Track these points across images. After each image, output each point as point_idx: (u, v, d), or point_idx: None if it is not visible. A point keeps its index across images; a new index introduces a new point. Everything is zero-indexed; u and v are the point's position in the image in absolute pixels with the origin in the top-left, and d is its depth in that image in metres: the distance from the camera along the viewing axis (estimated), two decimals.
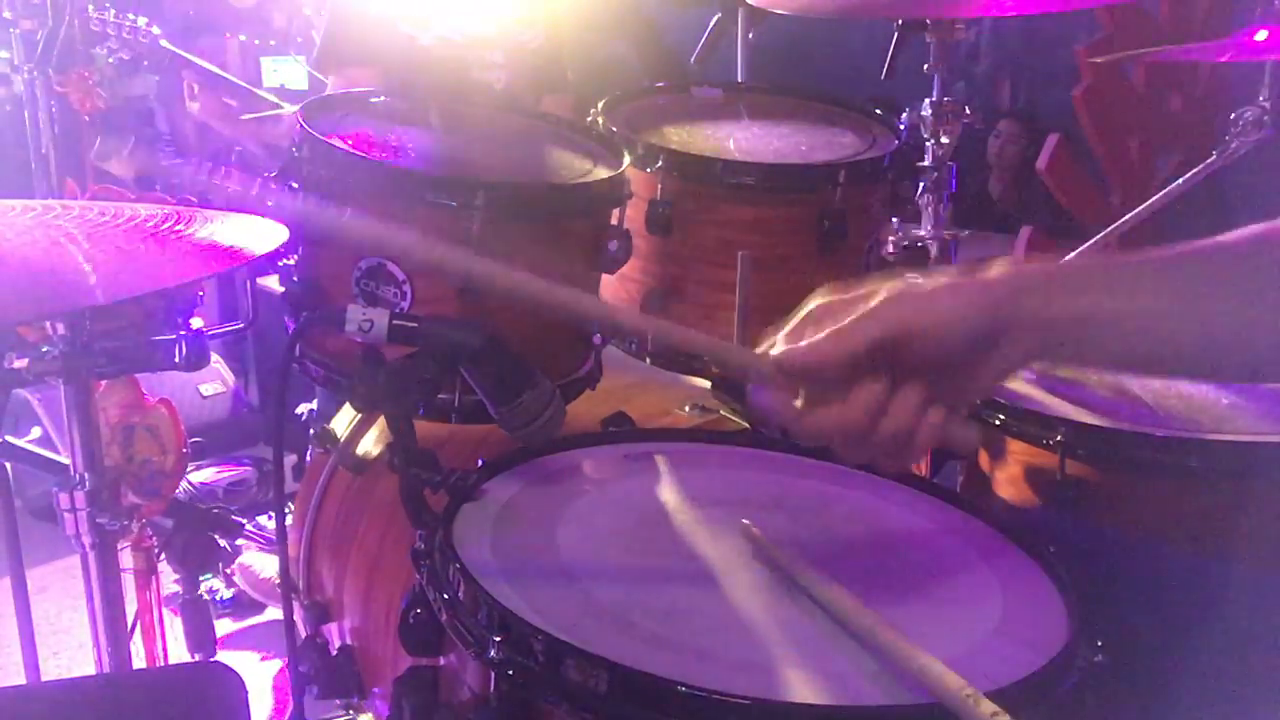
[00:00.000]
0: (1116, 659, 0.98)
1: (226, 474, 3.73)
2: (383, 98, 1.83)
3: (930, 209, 2.07)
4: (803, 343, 0.97)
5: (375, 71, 2.51)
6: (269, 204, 1.30)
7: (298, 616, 1.76)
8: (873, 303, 0.96)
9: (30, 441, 2.70)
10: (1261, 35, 2.07)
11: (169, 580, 2.01)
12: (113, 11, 2.80)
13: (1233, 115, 2.23)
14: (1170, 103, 4.31)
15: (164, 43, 2.82)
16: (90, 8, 2.73)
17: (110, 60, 2.86)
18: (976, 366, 0.95)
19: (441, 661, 1.08)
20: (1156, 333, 0.94)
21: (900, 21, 2.07)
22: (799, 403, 0.97)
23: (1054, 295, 0.94)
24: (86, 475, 1.47)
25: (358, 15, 2.63)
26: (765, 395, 0.99)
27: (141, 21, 2.79)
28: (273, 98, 2.91)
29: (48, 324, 1.41)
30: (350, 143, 1.60)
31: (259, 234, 1.31)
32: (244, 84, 2.91)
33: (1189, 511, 1.48)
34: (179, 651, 2.01)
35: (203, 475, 3.67)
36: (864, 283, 0.98)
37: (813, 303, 1.01)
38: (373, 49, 2.56)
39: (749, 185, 1.73)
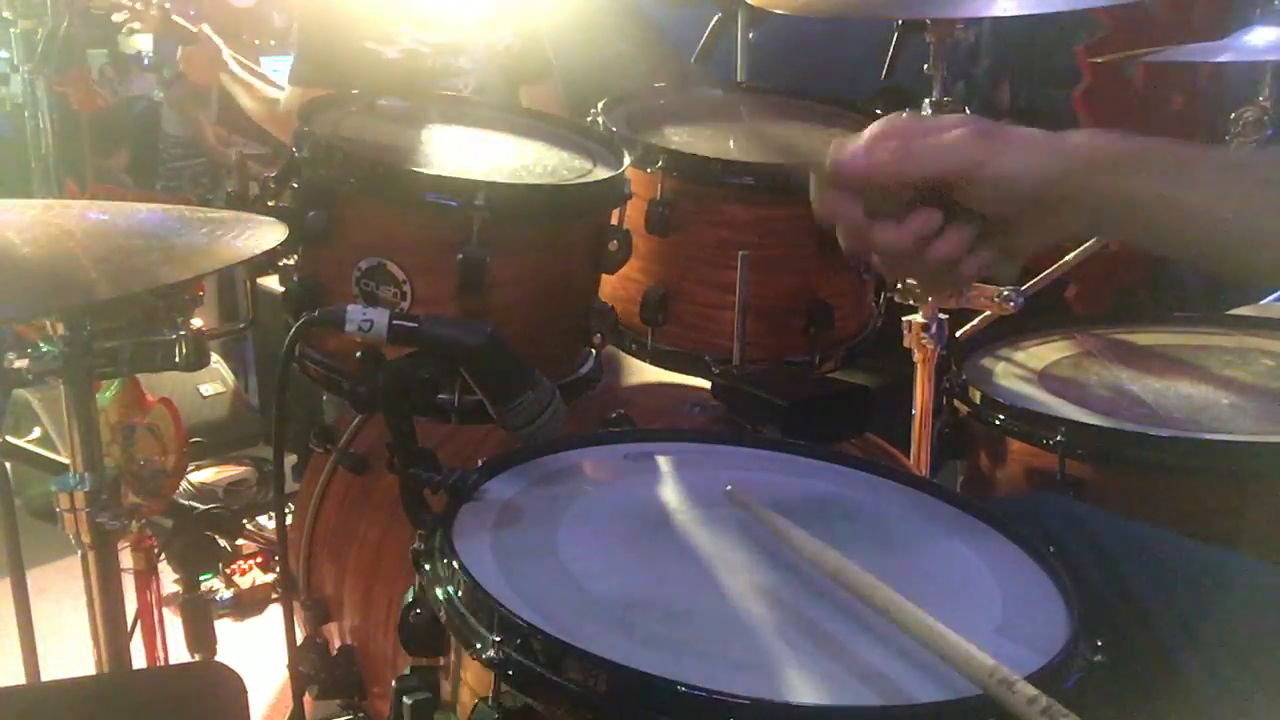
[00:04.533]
0: (1119, 655, 0.98)
1: (226, 474, 3.73)
2: (383, 98, 1.83)
3: None
4: (865, 152, 0.98)
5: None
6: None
7: (298, 616, 1.76)
8: (948, 135, 0.97)
9: (30, 441, 2.70)
10: (1262, 35, 2.07)
11: (169, 580, 2.01)
12: None
13: (1233, 115, 2.24)
14: (1170, 103, 4.31)
15: (175, 18, 2.82)
16: None
17: (125, 30, 2.87)
18: (1033, 223, 0.98)
19: (441, 661, 1.08)
20: (1221, 227, 0.95)
21: (900, 21, 2.07)
22: (854, 211, 1.00)
23: (1125, 175, 0.95)
24: (86, 475, 1.47)
25: (323, 37, 2.62)
26: (831, 197, 1.01)
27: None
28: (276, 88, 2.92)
29: (48, 324, 1.41)
30: (350, 143, 1.61)
31: (257, 234, 1.32)
32: (252, 76, 2.91)
33: (1189, 511, 1.48)
34: (179, 651, 2.01)
35: (203, 475, 3.68)
36: (946, 116, 1.01)
37: (893, 118, 1.01)
38: (337, 69, 2.55)
39: (749, 185, 1.73)
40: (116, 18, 2.82)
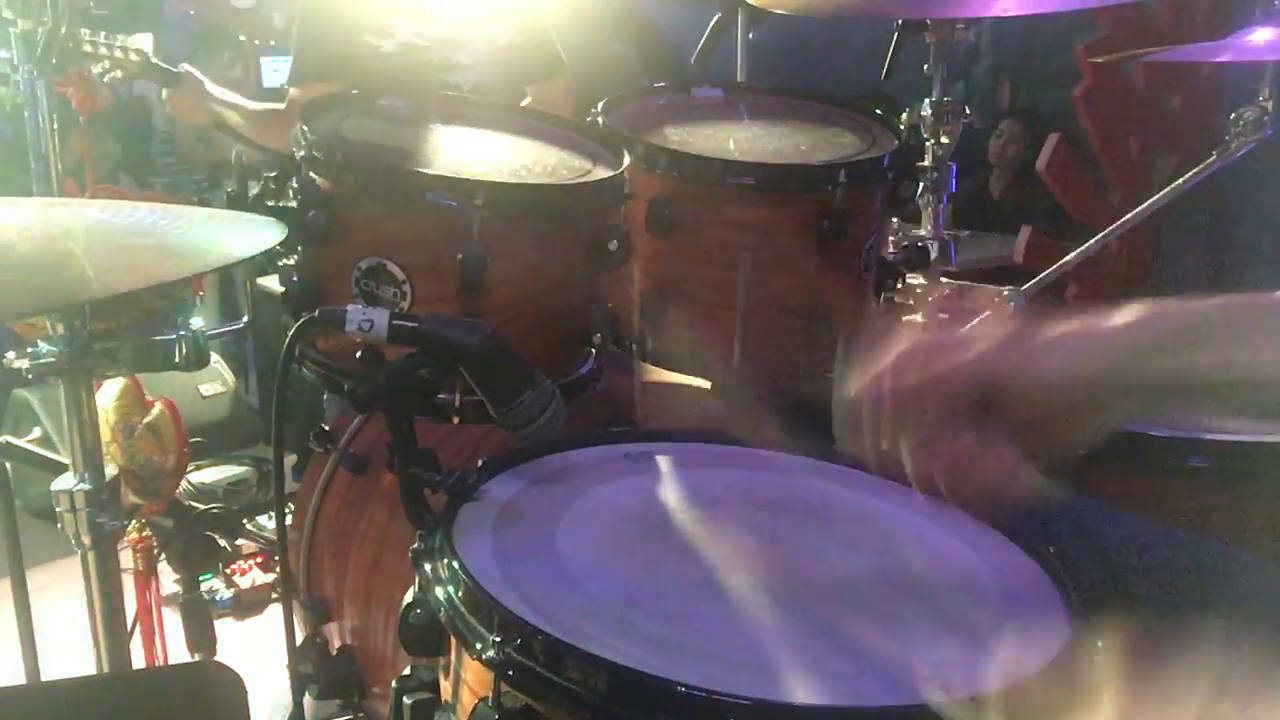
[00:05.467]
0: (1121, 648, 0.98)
1: (226, 474, 3.73)
2: (384, 98, 1.83)
3: (930, 209, 2.07)
4: (893, 387, 0.93)
5: (336, 87, 2.49)
6: None
7: (298, 616, 1.76)
8: (976, 347, 0.90)
9: (30, 441, 2.70)
10: (1262, 35, 2.07)
11: (169, 580, 2.01)
12: (104, 34, 2.81)
13: (1233, 115, 2.24)
14: (1170, 103, 4.31)
15: (154, 59, 2.83)
16: (85, 31, 2.73)
17: (105, 79, 2.88)
18: (1082, 419, 0.90)
19: (441, 661, 1.08)
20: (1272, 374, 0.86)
21: (900, 21, 2.07)
22: (885, 443, 0.94)
23: (1179, 355, 0.87)
24: (86, 475, 1.47)
25: (323, 32, 2.62)
26: (860, 434, 0.96)
27: (132, 43, 2.80)
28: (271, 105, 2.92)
29: (48, 324, 1.41)
30: (350, 143, 1.60)
31: (256, 233, 1.32)
32: (239, 98, 2.91)
33: (1189, 511, 1.48)
34: (179, 651, 2.01)
35: (203, 475, 3.68)
36: (967, 318, 0.95)
37: (907, 337, 0.95)
38: (336, 64, 2.55)
39: (749, 185, 1.73)
40: (96, 69, 2.82)
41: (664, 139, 1.82)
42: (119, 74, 2.84)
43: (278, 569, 3.01)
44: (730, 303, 1.70)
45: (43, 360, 1.42)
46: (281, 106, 2.71)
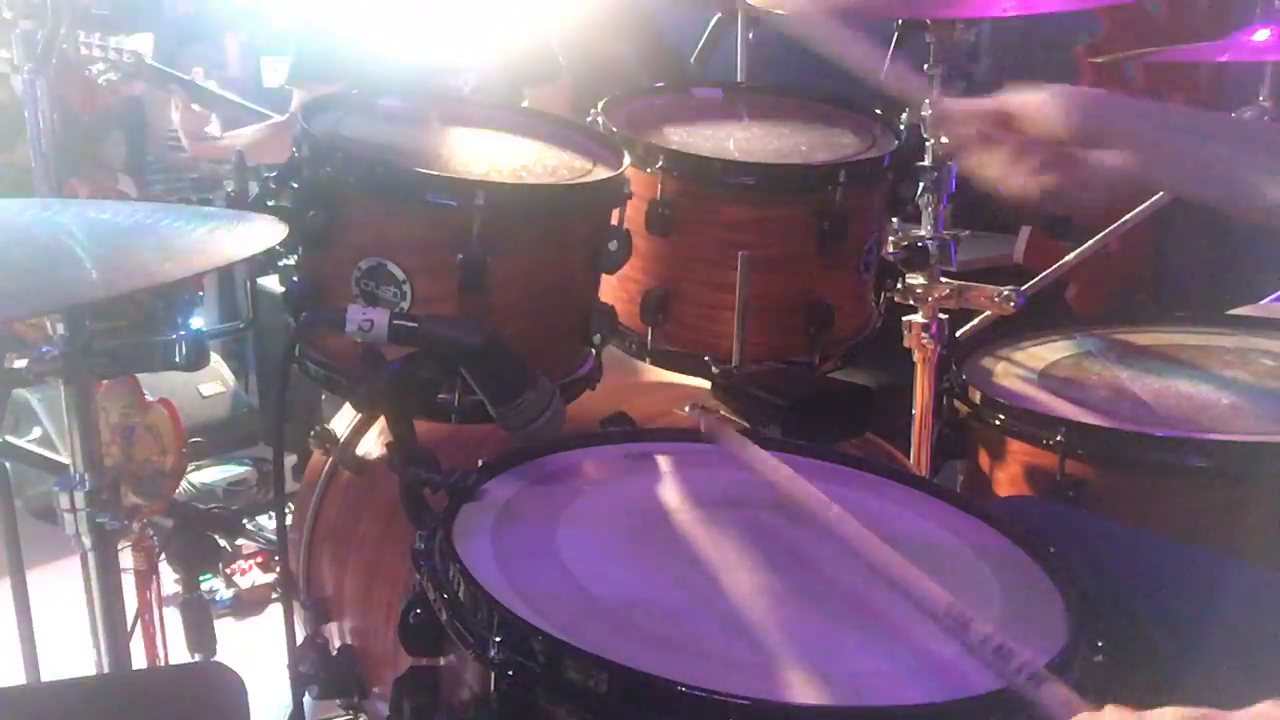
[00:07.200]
0: (1118, 657, 0.98)
1: (226, 474, 3.73)
2: (383, 98, 1.83)
3: (930, 209, 2.07)
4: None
5: (337, 89, 2.49)
6: None
7: (298, 616, 1.76)
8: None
9: (30, 441, 2.70)
10: (1262, 35, 2.07)
11: (169, 580, 2.01)
12: (98, 35, 2.81)
13: (1233, 115, 2.24)
14: (1170, 103, 4.31)
15: (151, 60, 2.82)
16: (80, 34, 2.73)
17: (101, 81, 2.88)
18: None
19: (441, 661, 1.08)
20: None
21: (900, 21, 2.07)
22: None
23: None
24: (86, 475, 1.47)
25: (323, 34, 2.62)
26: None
27: (128, 44, 2.80)
28: (263, 110, 2.92)
29: (48, 324, 1.41)
30: (350, 143, 1.60)
31: (257, 232, 1.32)
32: (234, 98, 2.91)
33: (1188, 511, 1.48)
34: (179, 651, 2.01)
35: (203, 475, 3.68)
36: None
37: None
38: (337, 67, 2.55)
39: (749, 185, 1.73)
40: (95, 70, 2.82)
41: (664, 139, 1.82)
42: (114, 76, 2.84)
43: (278, 569, 3.01)
44: (730, 303, 1.70)
45: (43, 360, 1.42)
46: (282, 119, 2.71)
